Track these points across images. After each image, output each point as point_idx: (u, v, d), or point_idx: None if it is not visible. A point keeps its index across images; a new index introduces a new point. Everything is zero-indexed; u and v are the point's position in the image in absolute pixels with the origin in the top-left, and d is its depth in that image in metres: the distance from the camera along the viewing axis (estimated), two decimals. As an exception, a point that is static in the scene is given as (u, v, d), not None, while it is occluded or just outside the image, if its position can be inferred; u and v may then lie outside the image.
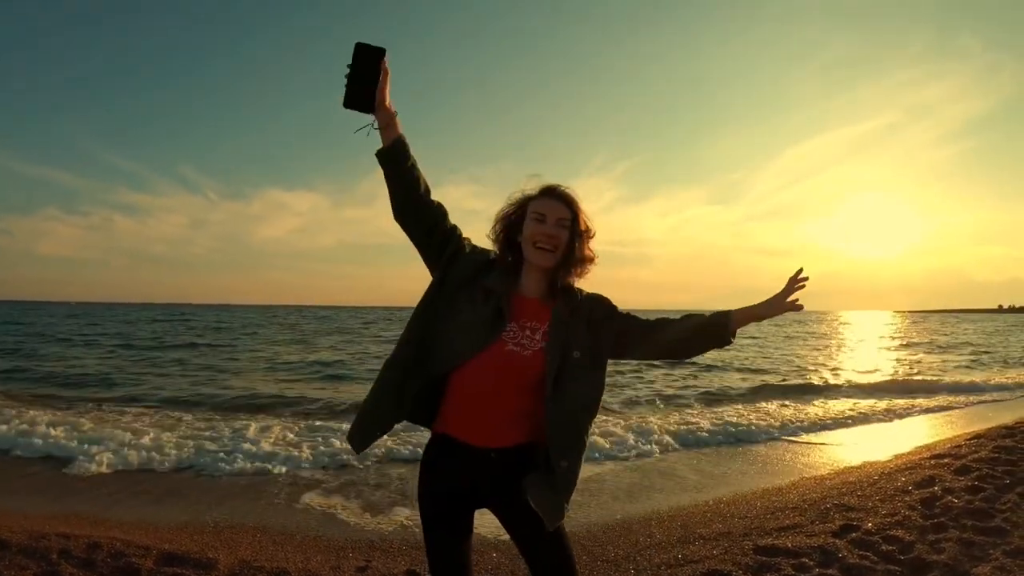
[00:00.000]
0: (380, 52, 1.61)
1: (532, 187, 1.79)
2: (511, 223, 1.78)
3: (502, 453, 1.70)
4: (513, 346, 1.67)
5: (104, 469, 5.96)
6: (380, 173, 1.71)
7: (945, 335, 36.89)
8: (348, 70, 1.61)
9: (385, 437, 2.33)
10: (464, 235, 1.81)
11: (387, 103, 1.65)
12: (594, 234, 1.80)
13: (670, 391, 12.28)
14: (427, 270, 1.82)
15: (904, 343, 30.01)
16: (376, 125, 1.67)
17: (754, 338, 30.39)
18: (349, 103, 1.63)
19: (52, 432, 7.21)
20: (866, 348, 27.14)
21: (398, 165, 1.68)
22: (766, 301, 1.74)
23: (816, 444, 7.45)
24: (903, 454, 6.32)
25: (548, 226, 1.70)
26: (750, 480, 5.71)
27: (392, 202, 1.72)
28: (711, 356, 18.25)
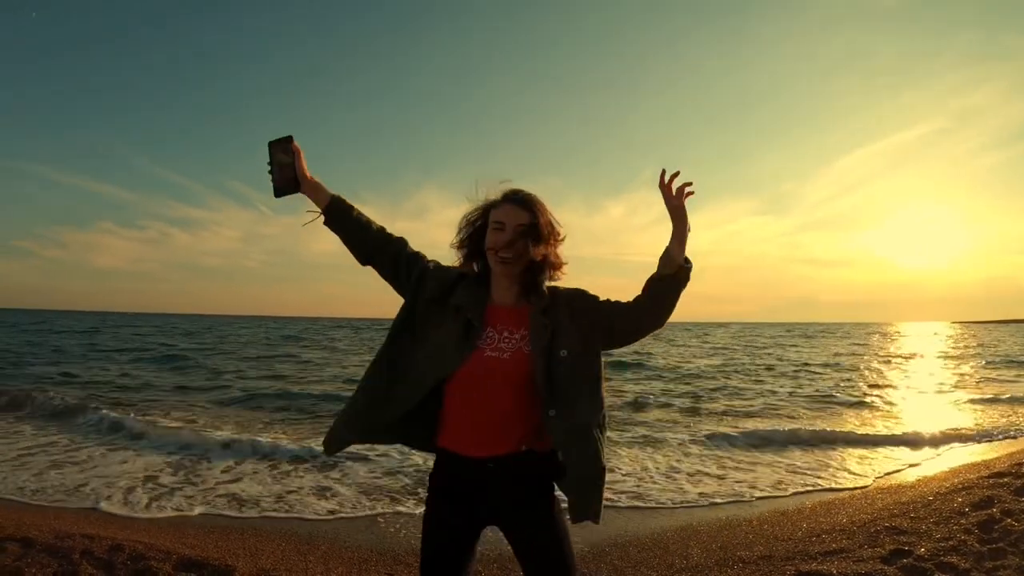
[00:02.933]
0: (288, 139, 1.76)
1: (496, 193, 1.74)
2: (475, 231, 1.75)
3: (499, 461, 1.66)
4: (491, 352, 1.65)
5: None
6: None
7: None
8: (268, 166, 1.76)
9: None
10: (430, 258, 1.82)
11: (307, 176, 1.77)
12: (563, 237, 1.75)
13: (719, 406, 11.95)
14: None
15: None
16: (313, 209, 1.81)
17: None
18: (279, 193, 1.77)
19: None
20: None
21: (344, 222, 1.78)
22: (672, 220, 1.65)
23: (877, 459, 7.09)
24: (960, 471, 5.96)
25: (507, 234, 1.66)
26: (797, 498, 5.45)
27: (353, 254, 1.80)
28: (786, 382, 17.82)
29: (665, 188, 1.63)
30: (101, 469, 6.14)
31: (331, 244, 1.82)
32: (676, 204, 1.63)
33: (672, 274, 1.66)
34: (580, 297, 1.76)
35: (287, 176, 1.76)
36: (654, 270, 1.69)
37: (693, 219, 1.64)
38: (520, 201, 1.69)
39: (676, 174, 1.62)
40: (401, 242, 1.81)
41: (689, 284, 1.69)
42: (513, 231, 1.66)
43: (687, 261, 1.67)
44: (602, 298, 1.76)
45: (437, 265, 1.80)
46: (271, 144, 1.76)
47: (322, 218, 1.79)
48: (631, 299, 1.73)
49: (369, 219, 1.80)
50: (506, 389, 1.64)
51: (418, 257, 1.80)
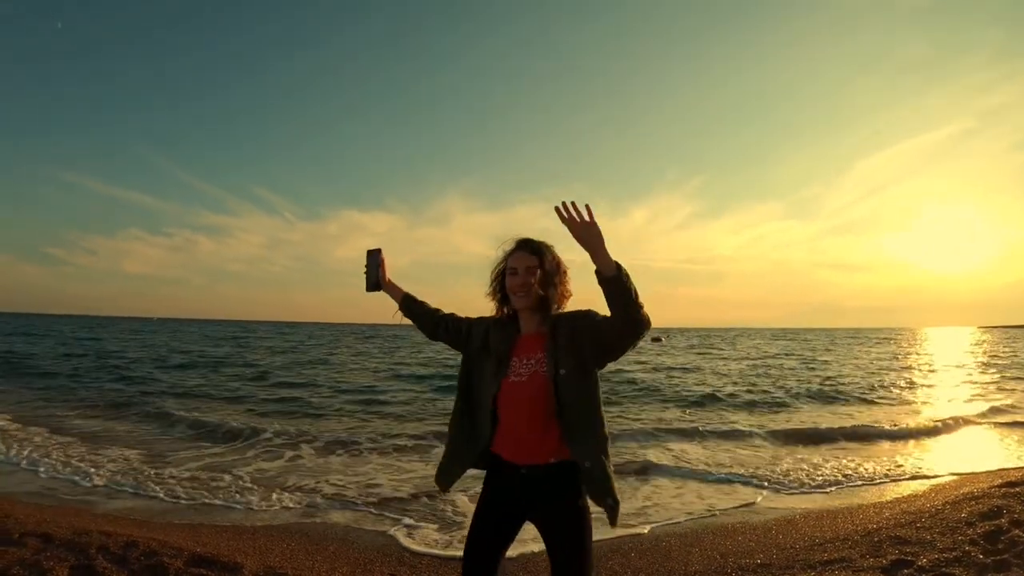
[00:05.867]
0: (378, 251, 2.46)
1: (510, 244, 2.13)
2: (502, 279, 2.13)
3: (531, 469, 2.01)
4: (514, 377, 2.04)
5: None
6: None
7: None
8: (365, 268, 2.45)
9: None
10: (470, 317, 2.31)
11: (387, 279, 2.45)
12: (566, 270, 2.13)
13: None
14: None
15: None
16: (398, 305, 2.46)
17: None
18: (370, 289, 2.46)
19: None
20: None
21: (414, 313, 2.42)
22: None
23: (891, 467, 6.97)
24: (972, 480, 5.89)
25: (519, 276, 2.05)
26: (804, 507, 5.42)
27: (423, 332, 2.40)
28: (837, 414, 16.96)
29: (567, 221, 1.83)
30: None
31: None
32: (578, 232, 1.83)
33: (609, 284, 1.81)
34: (583, 317, 2.05)
35: (374, 278, 2.44)
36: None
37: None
38: (526, 246, 2.08)
39: (571, 204, 1.83)
40: (452, 317, 2.34)
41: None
42: (524, 273, 2.04)
43: (619, 268, 1.80)
44: (599, 315, 2.01)
45: (477, 320, 2.27)
46: (369, 253, 2.45)
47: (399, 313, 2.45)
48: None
49: (430, 309, 2.40)
50: (525, 407, 2.00)
51: (461, 321, 2.30)
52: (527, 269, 2.04)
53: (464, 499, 5.38)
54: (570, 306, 2.14)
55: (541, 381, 2.00)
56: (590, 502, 2.01)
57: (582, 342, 1.99)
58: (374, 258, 2.46)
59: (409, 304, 2.43)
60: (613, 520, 1.98)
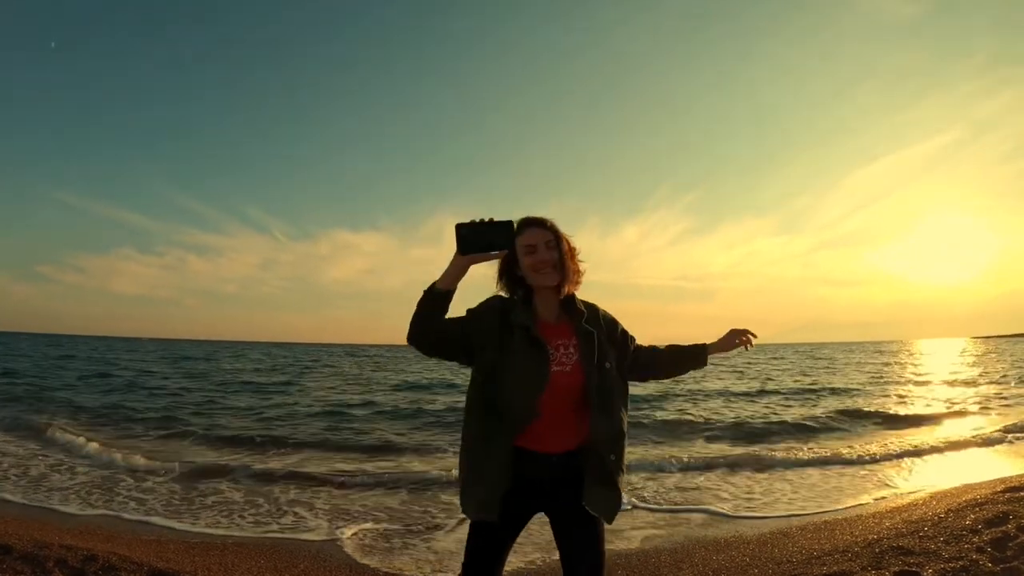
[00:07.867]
0: (510, 244, 1.86)
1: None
2: (509, 263, 1.94)
3: (561, 457, 1.89)
4: (557, 367, 1.87)
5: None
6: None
7: None
8: (490, 226, 1.81)
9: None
10: (464, 315, 1.92)
11: (470, 264, 1.84)
12: (579, 250, 1.99)
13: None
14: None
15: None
16: (443, 285, 1.82)
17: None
18: (467, 238, 1.81)
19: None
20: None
21: (438, 310, 1.83)
22: (723, 338, 2.19)
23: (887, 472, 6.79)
24: (974, 487, 5.70)
25: (540, 252, 1.88)
26: (802, 517, 5.23)
27: (412, 330, 1.83)
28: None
29: (747, 338, 2.19)
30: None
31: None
32: (735, 336, 2.19)
33: (701, 361, 2.21)
34: (615, 324, 2.07)
35: (475, 247, 1.81)
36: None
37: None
38: (540, 223, 1.92)
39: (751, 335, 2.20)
40: (451, 326, 1.87)
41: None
42: (545, 248, 1.89)
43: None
44: (631, 333, 2.12)
45: (473, 314, 1.91)
46: (504, 224, 1.84)
47: (434, 286, 1.83)
48: (648, 346, 2.19)
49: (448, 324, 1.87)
50: (568, 398, 1.87)
51: (464, 328, 1.88)
52: (547, 244, 1.90)
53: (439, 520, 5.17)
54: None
55: (582, 372, 1.89)
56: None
57: (620, 349, 2.05)
58: (506, 238, 1.84)
59: (448, 300, 1.85)
60: (610, 519, 1.91)
